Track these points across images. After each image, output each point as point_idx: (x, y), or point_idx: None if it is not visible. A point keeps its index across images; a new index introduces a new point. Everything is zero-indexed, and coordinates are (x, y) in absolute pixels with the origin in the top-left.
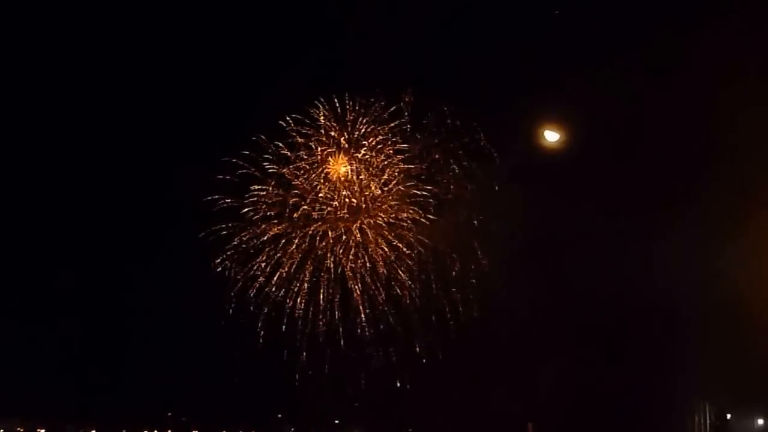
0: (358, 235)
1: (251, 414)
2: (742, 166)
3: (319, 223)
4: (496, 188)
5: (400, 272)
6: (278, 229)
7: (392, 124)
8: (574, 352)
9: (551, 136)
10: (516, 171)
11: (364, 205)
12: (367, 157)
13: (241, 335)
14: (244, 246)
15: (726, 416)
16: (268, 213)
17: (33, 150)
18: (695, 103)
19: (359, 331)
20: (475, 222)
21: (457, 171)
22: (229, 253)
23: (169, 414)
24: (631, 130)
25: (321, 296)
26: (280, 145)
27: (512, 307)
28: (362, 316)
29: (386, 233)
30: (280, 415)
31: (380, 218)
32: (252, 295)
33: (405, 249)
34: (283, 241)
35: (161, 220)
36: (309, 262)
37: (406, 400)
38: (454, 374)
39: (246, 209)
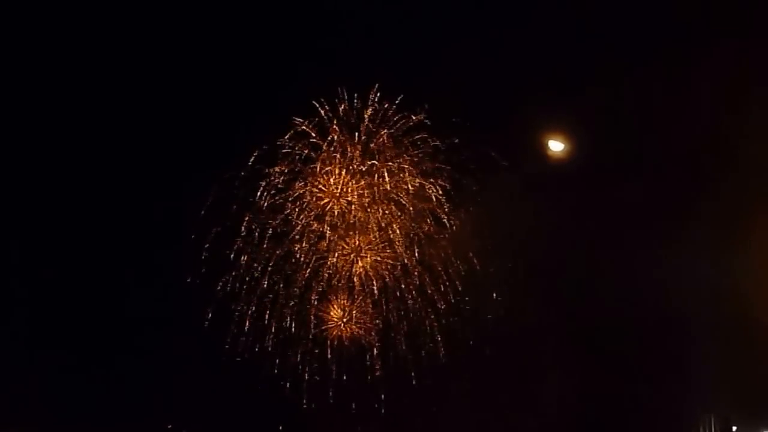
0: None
1: (253, 427)
2: (750, 175)
3: (329, 241)
4: (504, 201)
5: (413, 293)
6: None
7: (406, 141)
8: (578, 363)
9: (556, 146)
10: (522, 182)
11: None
12: (384, 173)
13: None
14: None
15: (732, 428)
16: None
17: (26, 157)
18: (701, 110)
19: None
20: (486, 234)
21: (472, 187)
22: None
23: (169, 427)
24: (636, 139)
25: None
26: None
27: (517, 319)
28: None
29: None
30: (281, 428)
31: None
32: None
33: (421, 270)
34: (289, 263)
35: (158, 230)
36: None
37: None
38: (460, 387)
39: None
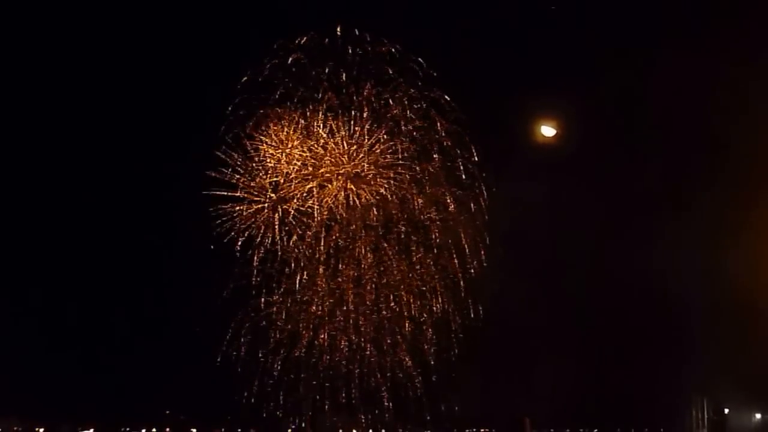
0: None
1: (250, 412)
2: (744, 161)
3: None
4: (495, 189)
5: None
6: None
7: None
8: (573, 349)
9: (548, 131)
10: (514, 168)
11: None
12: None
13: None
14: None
15: (723, 411)
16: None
17: (29, 151)
18: (697, 96)
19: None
20: (477, 223)
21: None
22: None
23: (168, 412)
24: (631, 125)
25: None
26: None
27: (513, 306)
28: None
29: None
30: (279, 413)
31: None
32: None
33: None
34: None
35: (166, 210)
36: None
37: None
38: (458, 372)
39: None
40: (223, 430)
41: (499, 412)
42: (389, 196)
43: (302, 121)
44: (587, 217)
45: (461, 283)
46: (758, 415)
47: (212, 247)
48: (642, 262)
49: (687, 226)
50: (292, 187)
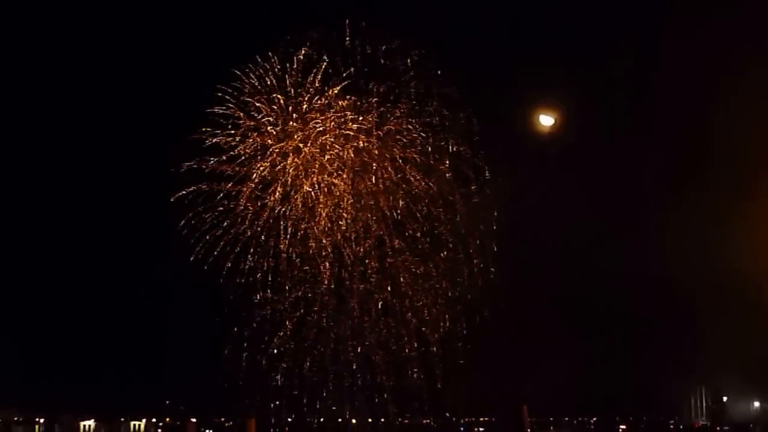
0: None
1: (249, 402)
2: (745, 149)
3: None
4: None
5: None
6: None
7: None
8: (572, 339)
9: (546, 120)
10: (514, 158)
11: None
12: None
13: (239, 327)
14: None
15: (722, 399)
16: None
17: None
18: (698, 81)
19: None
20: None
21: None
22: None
23: (167, 402)
24: (631, 110)
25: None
26: None
27: (516, 296)
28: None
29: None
30: (277, 402)
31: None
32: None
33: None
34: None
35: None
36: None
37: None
38: (459, 362)
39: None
40: (222, 419)
41: (499, 400)
42: (395, 190)
43: (309, 114)
44: (589, 208)
45: (465, 275)
46: (756, 403)
47: (216, 251)
48: (643, 252)
49: (687, 218)
50: (297, 181)
